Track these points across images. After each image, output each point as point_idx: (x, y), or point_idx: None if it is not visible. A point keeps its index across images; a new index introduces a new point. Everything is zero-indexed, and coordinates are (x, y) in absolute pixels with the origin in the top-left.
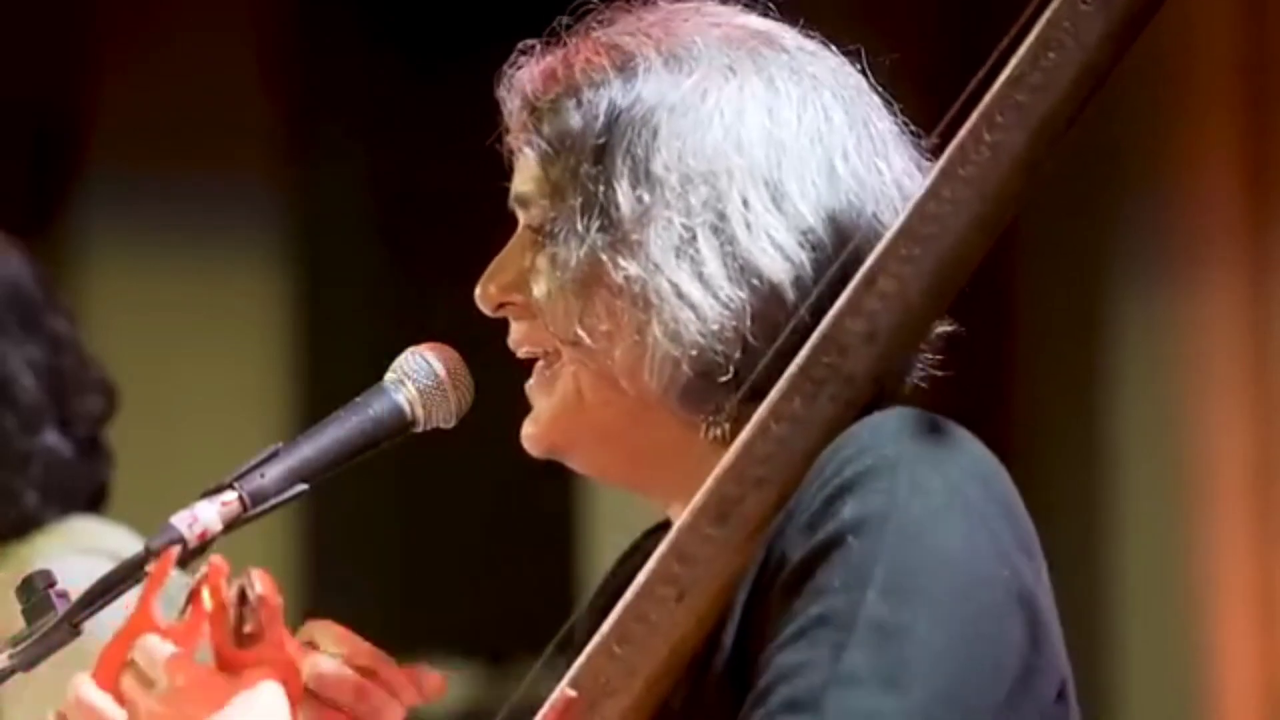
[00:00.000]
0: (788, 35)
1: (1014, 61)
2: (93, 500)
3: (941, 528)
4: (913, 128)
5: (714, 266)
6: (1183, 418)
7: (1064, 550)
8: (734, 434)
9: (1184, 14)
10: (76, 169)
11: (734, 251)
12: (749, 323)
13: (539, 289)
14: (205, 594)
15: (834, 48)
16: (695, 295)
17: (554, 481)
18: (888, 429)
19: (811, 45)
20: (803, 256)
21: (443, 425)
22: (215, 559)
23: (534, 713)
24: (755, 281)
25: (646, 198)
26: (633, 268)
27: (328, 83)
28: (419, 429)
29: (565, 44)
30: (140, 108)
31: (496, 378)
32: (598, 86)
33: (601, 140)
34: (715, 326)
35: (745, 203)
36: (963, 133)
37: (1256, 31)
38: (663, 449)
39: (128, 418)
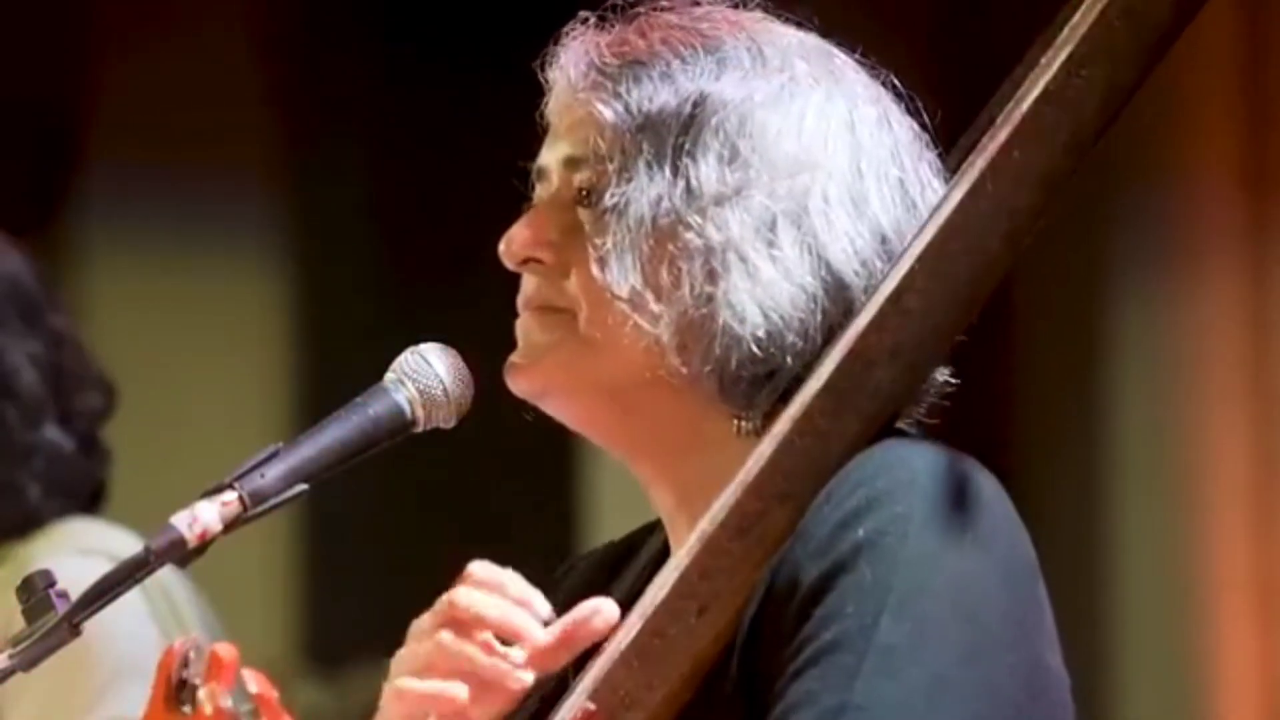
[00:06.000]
0: (848, 59)
1: (1045, 78)
2: (92, 498)
3: (953, 553)
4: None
5: (791, 251)
6: (1182, 418)
7: (1063, 551)
8: (764, 431)
9: None
10: (76, 168)
11: (812, 244)
12: (818, 317)
13: (603, 241)
14: (203, 696)
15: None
16: (768, 273)
17: (557, 482)
18: (898, 455)
19: (866, 75)
20: (877, 266)
21: (443, 425)
22: (223, 648)
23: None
24: (827, 276)
25: (730, 177)
26: (711, 232)
27: (329, 83)
28: (419, 429)
29: (629, 22)
30: (140, 107)
31: (497, 377)
32: (685, 61)
33: (692, 113)
34: (787, 309)
35: (826, 200)
36: (992, 148)
37: (1256, 31)
38: (667, 424)
39: (128, 417)
